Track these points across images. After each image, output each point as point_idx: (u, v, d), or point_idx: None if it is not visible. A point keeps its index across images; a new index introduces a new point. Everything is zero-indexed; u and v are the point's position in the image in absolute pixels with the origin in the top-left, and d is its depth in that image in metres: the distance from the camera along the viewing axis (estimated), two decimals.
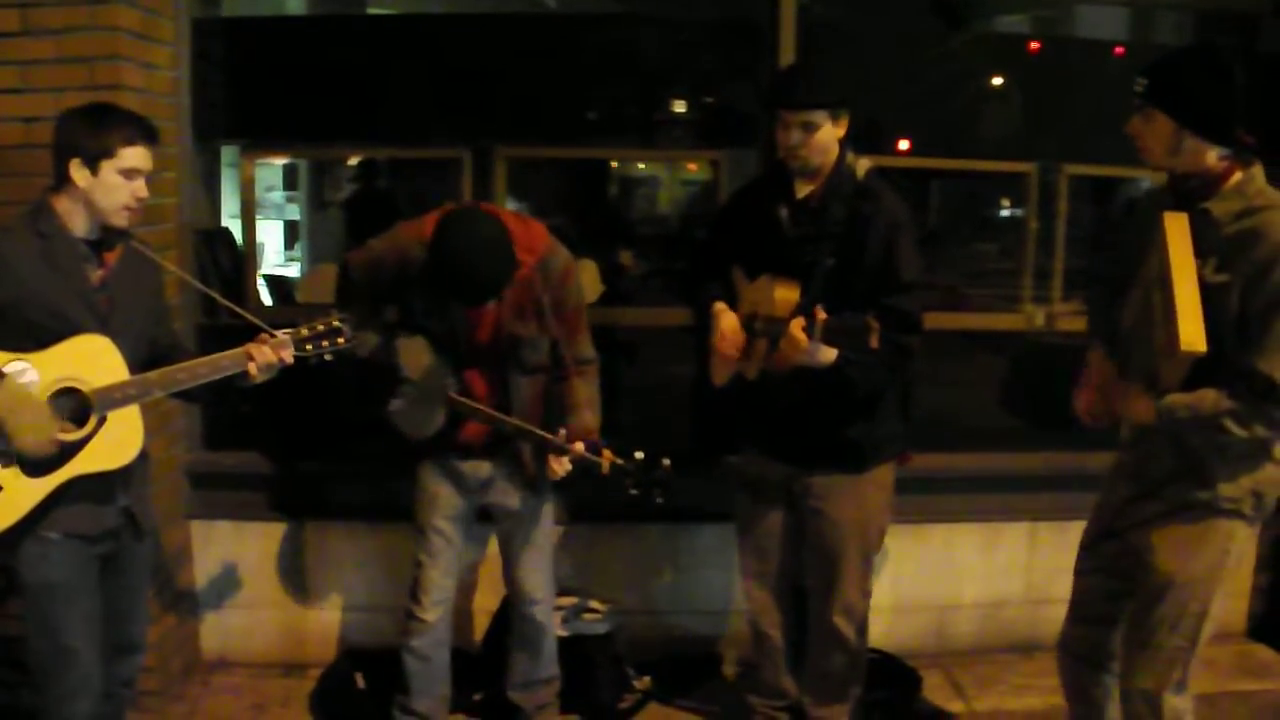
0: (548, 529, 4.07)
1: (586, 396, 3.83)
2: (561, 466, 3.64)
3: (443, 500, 3.92)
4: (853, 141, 3.68)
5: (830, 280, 3.56)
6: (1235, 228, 2.89)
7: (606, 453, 3.59)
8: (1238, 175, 2.95)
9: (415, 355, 3.76)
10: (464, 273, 3.43)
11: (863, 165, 3.68)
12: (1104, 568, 3.39)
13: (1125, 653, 3.28)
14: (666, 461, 3.54)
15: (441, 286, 3.52)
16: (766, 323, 3.57)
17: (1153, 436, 3.11)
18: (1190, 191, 2.99)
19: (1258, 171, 2.96)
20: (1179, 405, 2.94)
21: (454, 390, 3.76)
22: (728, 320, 3.76)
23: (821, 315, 3.28)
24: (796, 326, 3.33)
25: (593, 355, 3.88)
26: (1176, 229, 2.91)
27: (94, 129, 3.01)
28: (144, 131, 3.07)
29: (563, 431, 3.66)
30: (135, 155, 3.04)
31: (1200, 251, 2.89)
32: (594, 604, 4.62)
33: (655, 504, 3.55)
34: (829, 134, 3.58)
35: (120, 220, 3.09)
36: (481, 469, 3.91)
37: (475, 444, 3.85)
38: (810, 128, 3.54)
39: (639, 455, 3.55)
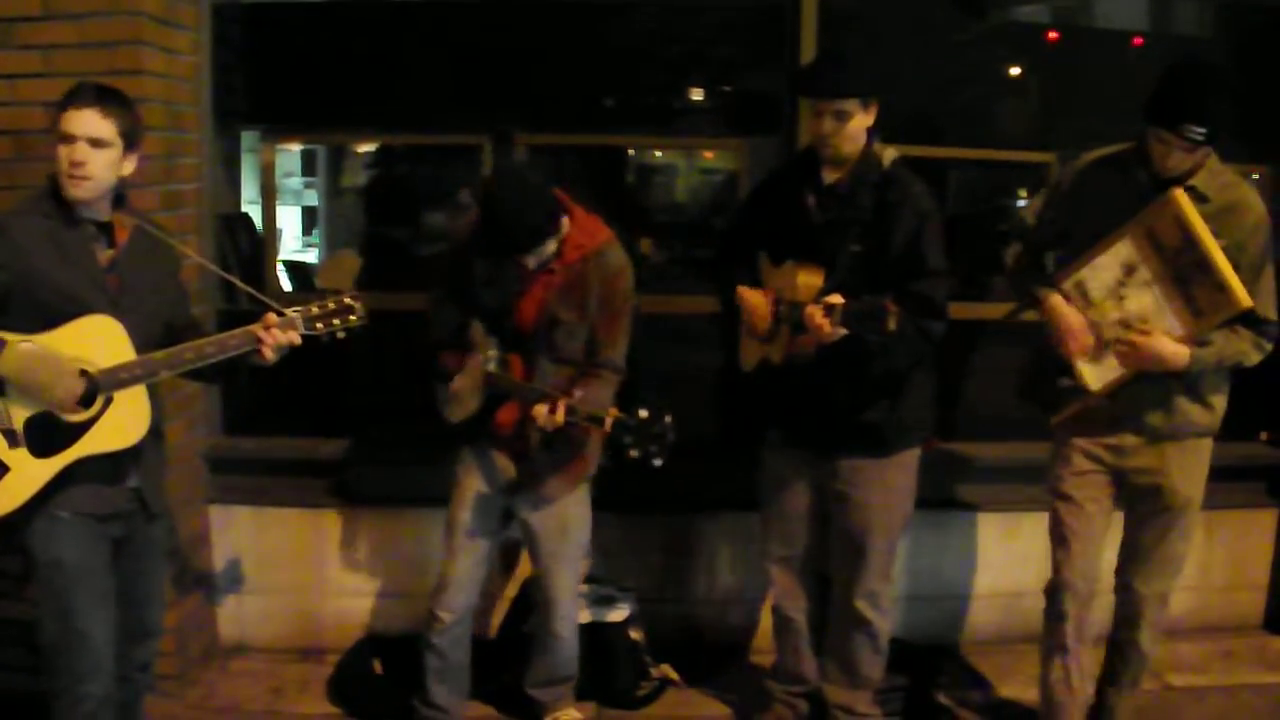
0: (577, 540, 4.04)
1: (595, 389, 3.72)
2: (551, 421, 3.50)
3: (470, 493, 3.92)
4: (876, 129, 3.67)
5: (856, 266, 3.58)
6: (1222, 199, 3.45)
7: (611, 410, 3.47)
8: (1208, 158, 3.47)
9: (484, 345, 3.78)
10: (500, 218, 3.53)
11: (889, 154, 3.69)
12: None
13: (1135, 571, 3.84)
14: (669, 418, 3.35)
15: (486, 237, 3.59)
16: (790, 308, 3.58)
17: (1140, 383, 3.58)
18: (1182, 175, 3.44)
19: (1215, 155, 3.49)
20: (1209, 353, 3.48)
21: (492, 368, 3.75)
22: (755, 296, 3.76)
23: (838, 300, 3.30)
24: (815, 310, 3.35)
25: (620, 365, 3.82)
26: (1189, 204, 3.37)
27: (55, 110, 3.02)
28: (85, 96, 3.00)
29: (578, 394, 3.60)
30: (69, 120, 2.97)
31: None
32: (613, 591, 4.62)
33: (653, 467, 3.34)
34: (861, 122, 3.59)
35: (71, 190, 3.00)
36: (509, 468, 3.90)
37: (503, 432, 3.82)
38: (843, 116, 3.55)
39: (643, 414, 3.37)
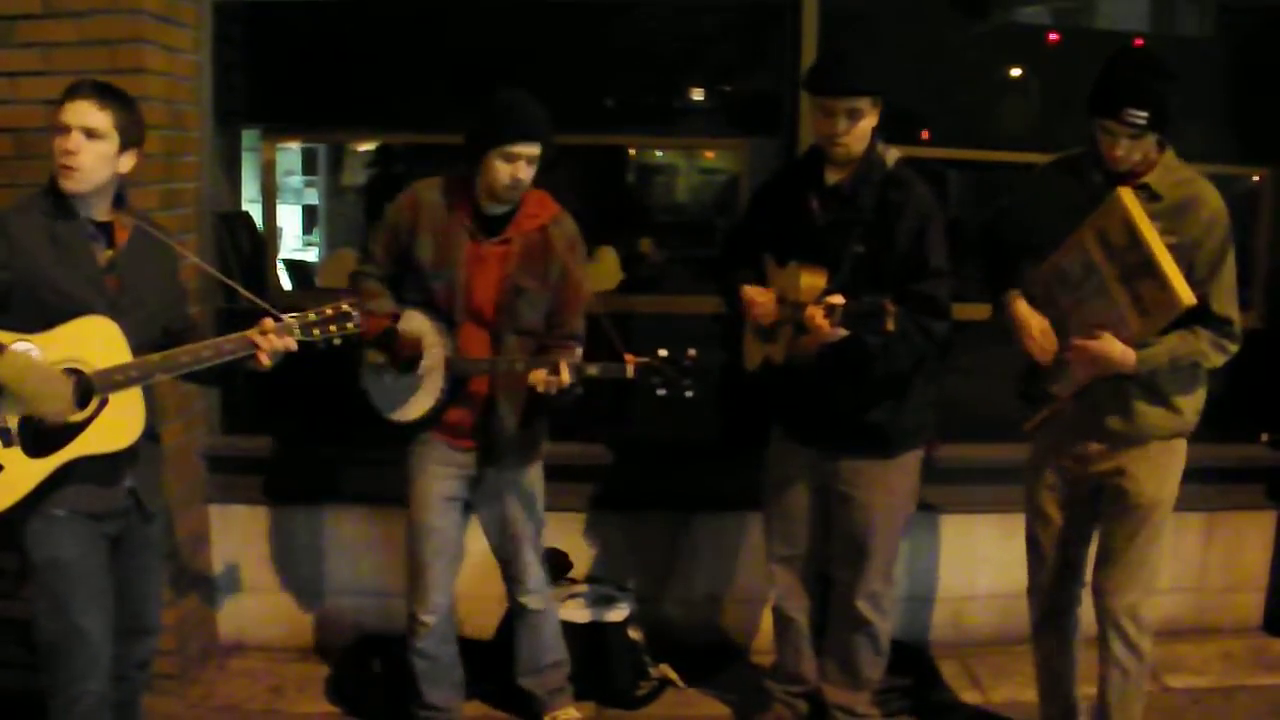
0: (539, 515, 4.07)
1: (570, 359, 3.69)
2: (556, 382, 3.52)
3: (433, 497, 3.91)
4: (880, 130, 3.67)
5: (859, 267, 3.58)
6: (1176, 196, 3.40)
7: (628, 356, 3.49)
8: (1162, 154, 3.44)
9: (416, 330, 3.77)
10: (518, 100, 3.64)
11: (892, 154, 3.69)
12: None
13: (1106, 576, 3.70)
14: (692, 351, 3.44)
15: (493, 119, 3.63)
16: (793, 308, 3.58)
17: (1098, 387, 3.53)
18: (1134, 171, 3.41)
19: (1172, 151, 3.47)
20: (1159, 353, 3.41)
21: (449, 354, 3.75)
22: (761, 293, 3.76)
23: (839, 301, 3.31)
24: (816, 311, 3.35)
25: (581, 333, 3.84)
26: (1134, 202, 3.32)
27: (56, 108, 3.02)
28: (84, 88, 3.02)
29: (579, 353, 3.65)
30: (66, 111, 2.99)
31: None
32: (613, 590, 4.62)
33: (687, 399, 3.43)
34: (870, 122, 3.59)
35: (61, 180, 3.02)
36: (469, 461, 3.90)
37: (462, 426, 3.84)
38: (856, 115, 3.55)
39: (663, 353, 3.45)
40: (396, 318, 3.78)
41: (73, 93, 3.02)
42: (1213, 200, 3.42)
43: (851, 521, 3.85)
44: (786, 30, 4.75)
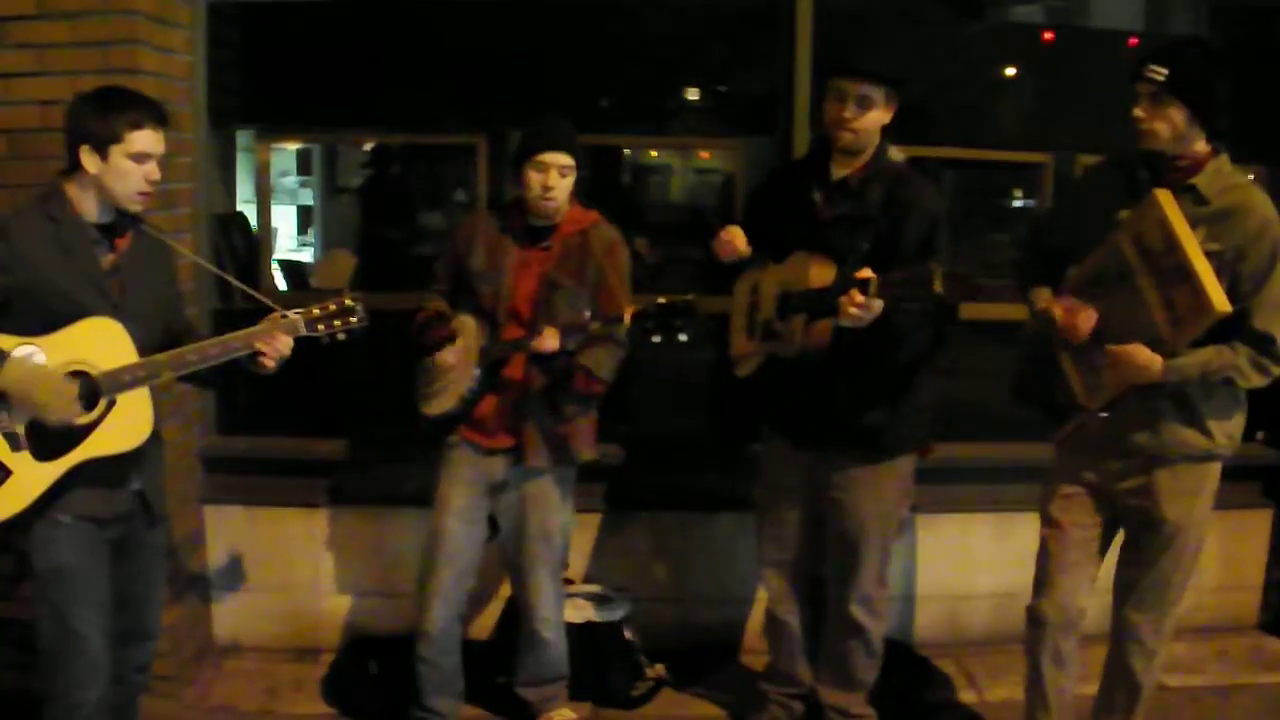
0: (559, 545, 4.06)
1: (601, 350, 3.80)
2: (544, 342, 3.65)
3: (453, 503, 3.93)
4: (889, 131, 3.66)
5: (865, 263, 3.52)
6: (1222, 202, 3.25)
7: (629, 305, 3.55)
8: (1214, 158, 3.32)
9: (464, 331, 3.85)
10: (549, 119, 3.79)
11: (898, 155, 3.68)
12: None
13: (1130, 591, 3.62)
14: (690, 296, 3.44)
15: (525, 137, 3.79)
16: (802, 297, 3.54)
17: (1128, 402, 3.38)
18: (1180, 170, 3.31)
19: (1226, 156, 3.34)
20: (1189, 364, 3.24)
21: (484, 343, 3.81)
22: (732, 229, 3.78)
23: (870, 274, 3.24)
24: (854, 295, 3.23)
25: (624, 340, 3.81)
26: (1171, 204, 3.18)
27: (101, 114, 2.99)
28: (152, 114, 3.05)
29: (586, 314, 3.69)
30: (144, 139, 3.01)
31: (1191, 223, 3.18)
32: (608, 591, 4.62)
33: (679, 343, 3.43)
34: (879, 116, 3.56)
35: (134, 205, 3.07)
36: (496, 466, 3.92)
37: (493, 421, 3.86)
38: (866, 103, 3.53)
39: (661, 300, 3.47)
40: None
41: (151, 119, 3.04)
42: (1262, 208, 3.26)
43: (844, 525, 3.84)
44: (781, 30, 4.75)
